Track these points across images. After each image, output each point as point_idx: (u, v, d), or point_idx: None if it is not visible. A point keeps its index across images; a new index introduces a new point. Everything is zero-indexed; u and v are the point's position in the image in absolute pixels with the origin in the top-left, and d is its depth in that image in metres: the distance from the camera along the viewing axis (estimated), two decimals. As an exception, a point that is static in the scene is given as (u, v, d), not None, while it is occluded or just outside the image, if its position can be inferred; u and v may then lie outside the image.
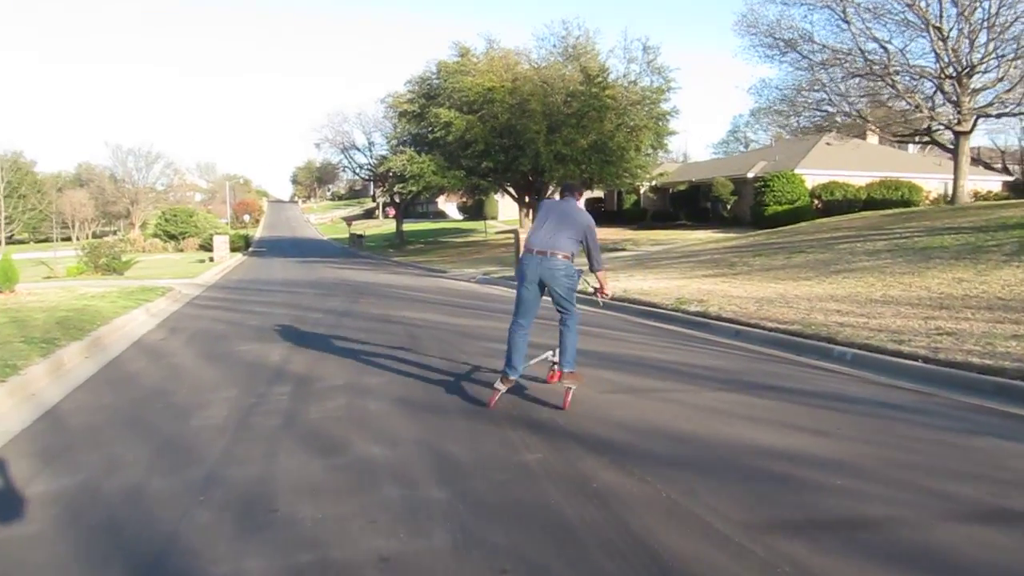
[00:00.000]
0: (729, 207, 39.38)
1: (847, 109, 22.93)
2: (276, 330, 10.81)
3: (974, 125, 22.02)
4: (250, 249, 52.93)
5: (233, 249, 45.25)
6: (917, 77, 21.99)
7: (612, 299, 13.75)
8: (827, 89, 22.74)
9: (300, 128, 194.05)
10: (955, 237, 14.01)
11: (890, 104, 23.07)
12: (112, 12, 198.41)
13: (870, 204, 33.33)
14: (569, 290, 6.05)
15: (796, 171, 35.10)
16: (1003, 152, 55.00)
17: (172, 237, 62.47)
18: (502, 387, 5.94)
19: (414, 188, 32.43)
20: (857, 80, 22.65)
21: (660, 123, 33.28)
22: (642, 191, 47.27)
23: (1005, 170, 50.02)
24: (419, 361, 7.96)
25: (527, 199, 40.02)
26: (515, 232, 19.98)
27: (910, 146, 51.79)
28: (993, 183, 40.91)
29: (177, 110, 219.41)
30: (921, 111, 21.87)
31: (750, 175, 38.50)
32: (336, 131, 57.41)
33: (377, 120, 53.27)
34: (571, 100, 30.73)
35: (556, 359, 6.27)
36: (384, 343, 9.27)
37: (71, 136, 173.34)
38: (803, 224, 24.50)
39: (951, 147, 23.09)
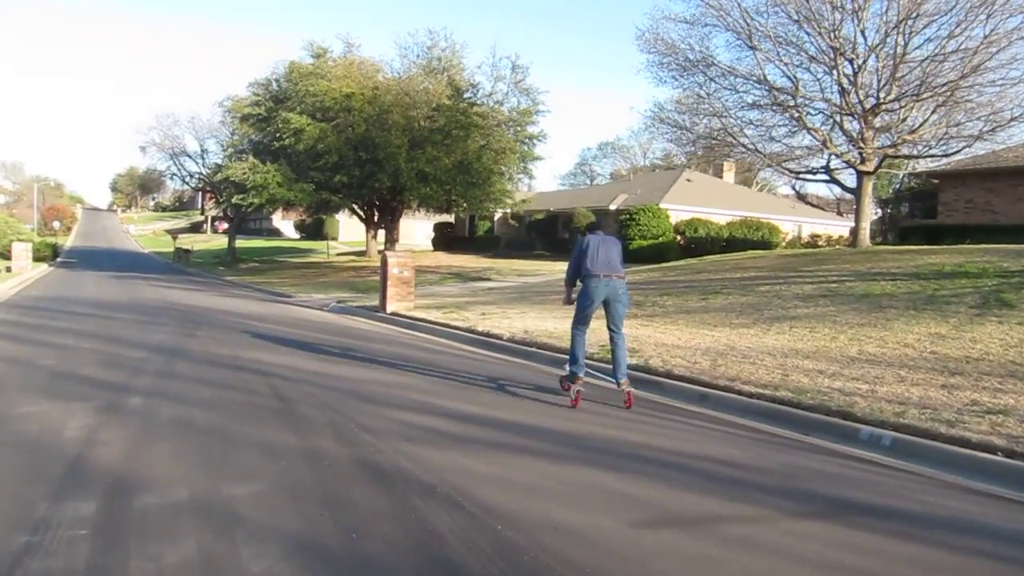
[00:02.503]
0: (590, 239, 38.10)
1: (745, 141, 21.73)
2: (79, 379, 7.74)
3: (879, 165, 21.36)
4: (58, 259, 46.93)
5: (38, 258, 39.53)
6: (816, 112, 21.11)
7: (513, 341, 11.53)
8: (725, 117, 21.45)
9: (124, 132, 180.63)
10: (894, 284, 12.63)
11: (786, 140, 22.08)
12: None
13: (732, 243, 32.85)
14: (624, 308, 7.43)
15: (661, 205, 34.23)
16: (838, 200, 57.50)
17: (-36, 243, 54.84)
18: (579, 386, 7.25)
19: (256, 200, 28.78)
20: (757, 111, 21.55)
21: (526, 147, 31.59)
22: (496, 218, 45.47)
23: (840, 215, 52.12)
24: (306, 448, 5.28)
25: (376, 219, 37.34)
26: (382, 254, 17.30)
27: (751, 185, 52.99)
28: (841, 228, 41.84)
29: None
30: (828, 147, 20.88)
31: (612, 207, 37.49)
32: (165, 135, 52.32)
33: (212, 126, 48.95)
34: (436, 115, 28.37)
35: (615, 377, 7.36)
36: (243, 409, 6.51)
37: None
38: (692, 261, 23.22)
39: (850, 187, 22.46)
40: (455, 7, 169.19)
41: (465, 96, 28.84)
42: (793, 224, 38.98)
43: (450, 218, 47.51)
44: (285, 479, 4.57)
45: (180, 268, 44.45)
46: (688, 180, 40.42)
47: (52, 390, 7.14)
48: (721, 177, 45.61)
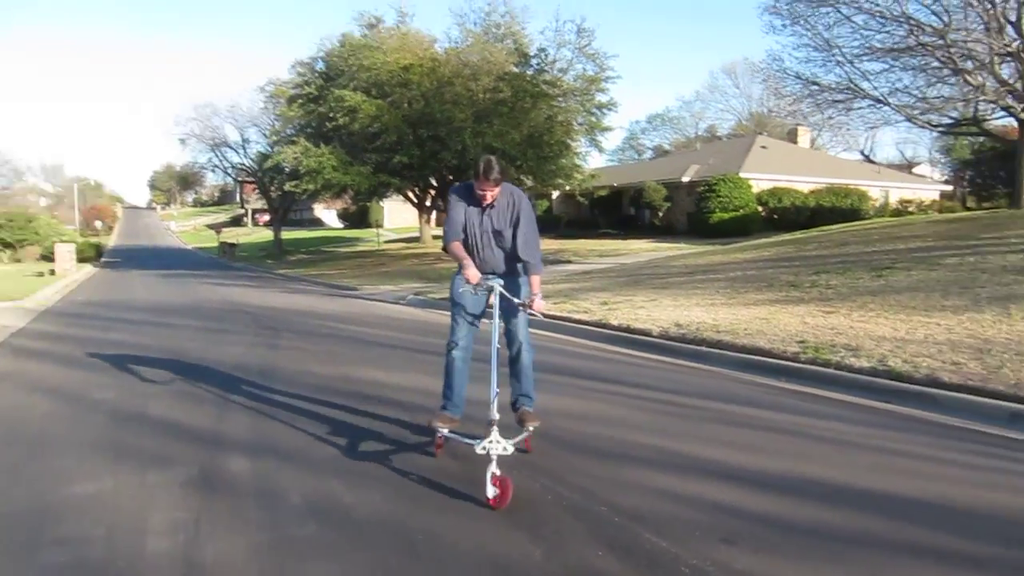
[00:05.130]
0: (661, 214, 35.55)
1: (875, 93, 18.90)
2: (150, 424, 5.56)
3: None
4: (102, 259, 45.46)
5: (82, 259, 37.99)
6: (964, 55, 18.01)
7: (667, 338, 9.24)
8: (848, 68, 18.60)
9: (160, 128, 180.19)
10: None
11: (923, 90, 19.08)
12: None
13: (819, 212, 30.36)
14: None
15: (741, 175, 31.55)
16: (910, 163, 54.23)
17: (8, 246, 53.40)
18: None
19: (310, 186, 26.61)
20: (885, 60, 18.67)
21: (595, 117, 29.11)
22: (554, 196, 43.03)
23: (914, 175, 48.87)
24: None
25: (429, 203, 35.33)
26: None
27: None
28: (928, 191, 38.80)
29: (16, 105, 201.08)
30: (985, 94, 17.89)
31: (685, 179, 34.86)
32: (205, 125, 50.26)
33: (253, 114, 46.77)
34: (500, 85, 25.97)
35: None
36: (408, 480, 4.25)
37: None
38: (814, 232, 20.73)
39: (1001, 139, 19.67)
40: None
41: (532, 63, 26.43)
42: (879, 190, 36.03)
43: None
44: None
45: (226, 263, 42.73)
46: (763, 147, 37.61)
47: (116, 446, 4.97)
48: (796, 143, 42.60)
